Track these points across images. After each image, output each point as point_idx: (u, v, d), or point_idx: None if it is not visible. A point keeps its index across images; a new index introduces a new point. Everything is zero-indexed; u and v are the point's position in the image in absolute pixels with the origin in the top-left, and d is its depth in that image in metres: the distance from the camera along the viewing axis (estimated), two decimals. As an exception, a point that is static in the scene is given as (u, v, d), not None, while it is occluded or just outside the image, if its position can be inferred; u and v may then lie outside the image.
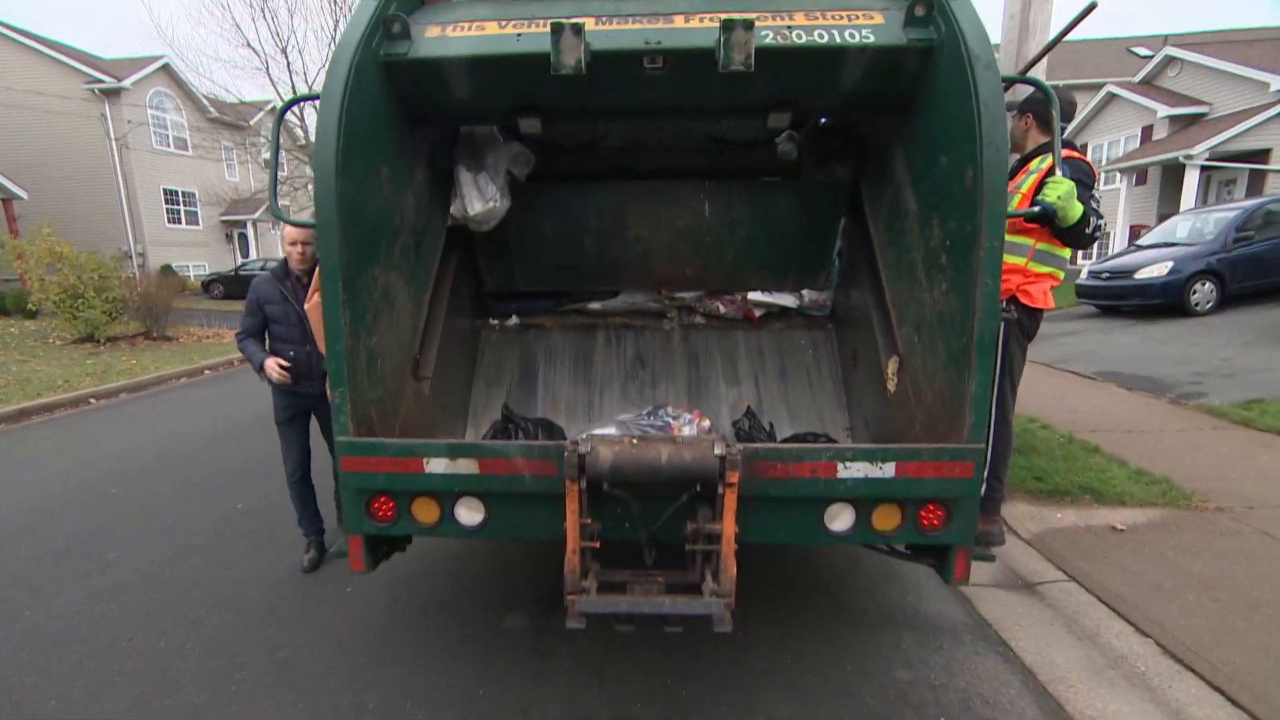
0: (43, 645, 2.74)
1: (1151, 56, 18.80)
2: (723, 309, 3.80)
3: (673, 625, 1.96)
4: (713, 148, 3.36)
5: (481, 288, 3.71)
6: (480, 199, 3.00)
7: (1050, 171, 2.56)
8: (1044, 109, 2.86)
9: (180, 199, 21.79)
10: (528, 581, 3.18)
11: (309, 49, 26.12)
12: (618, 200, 3.47)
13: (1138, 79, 18.36)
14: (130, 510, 4.21)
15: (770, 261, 3.59)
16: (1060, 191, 2.47)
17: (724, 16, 2.04)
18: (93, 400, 7.74)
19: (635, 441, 1.97)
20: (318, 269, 2.24)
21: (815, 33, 2.18)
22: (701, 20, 2.21)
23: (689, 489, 1.93)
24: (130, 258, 19.27)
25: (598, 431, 3.05)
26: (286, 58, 15.86)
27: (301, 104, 16.36)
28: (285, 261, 3.14)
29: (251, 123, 20.39)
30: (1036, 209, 2.53)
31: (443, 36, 2.26)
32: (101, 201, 19.68)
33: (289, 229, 3.04)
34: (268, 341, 3.19)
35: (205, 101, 20.88)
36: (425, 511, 2.14)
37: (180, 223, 21.91)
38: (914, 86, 2.32)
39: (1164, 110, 16.83)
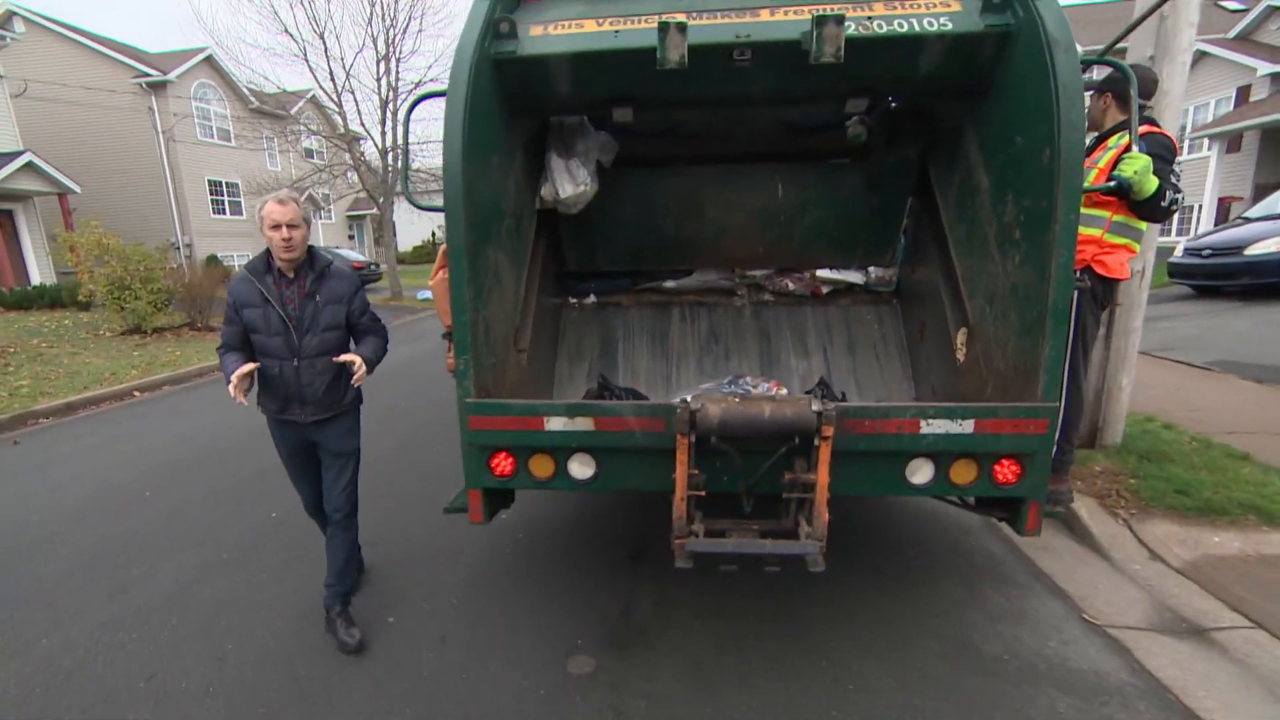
0: (55, 682, 2.44)
1: (1245, 10, 17.07)
2: (792, 286, 3.84)
3: (771, 565, 2.12)
4: (784, 132, 3.43)
5: (563, 267, 3.81)
6: (571, 183, 3.12)
7: (1128, 148, 2.64)
8: (1123, 88, 2.88)
9: (224, 190, 22.07)
10: (590, 611, 2.76)
11: (345, 34, 25.83)
12: (696, 183, 3.57)
13: (1232, 34, 16.67)
14: (163, 515, 3.96)
15: (839, 240, 3.67)
16: (1136, 166, 2.55)
17: (816, 13, 2.16)
18: (136, 393, 7.68)
19: (740, 400, 2.14)
20: (442, 248, 2.38)
21: (895, 22, 2.27)
22: (785, 13, 2.32)
23: (788, 442, 2.08)
24: (178, 249, 19.62)
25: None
26: (324, 43, 15.78)
27: (342, 94, 16.40)
28: (266, 254, 2.48)
29: (292, 111, 20.40)
30: (1112, 184, 2.61)
31: (546, 35, 2.42)
32: (151, 194, 20.05)
33: (272, 208, 2.37)
34: (255, 351, 2.55)
35: (247, 92, 21.02)
36: (541, 466, 2.33)
37: (225, 213, 22.22)
38: (990, 70, 2.40)
39: (1265, 67, 15.17)
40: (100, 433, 6.09)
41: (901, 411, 2.11)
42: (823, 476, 2.03)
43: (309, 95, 21.01)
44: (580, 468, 2.32)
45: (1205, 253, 9.04)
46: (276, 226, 2.38)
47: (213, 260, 17.61)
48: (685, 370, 3.67)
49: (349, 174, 19.37)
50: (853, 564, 3.07)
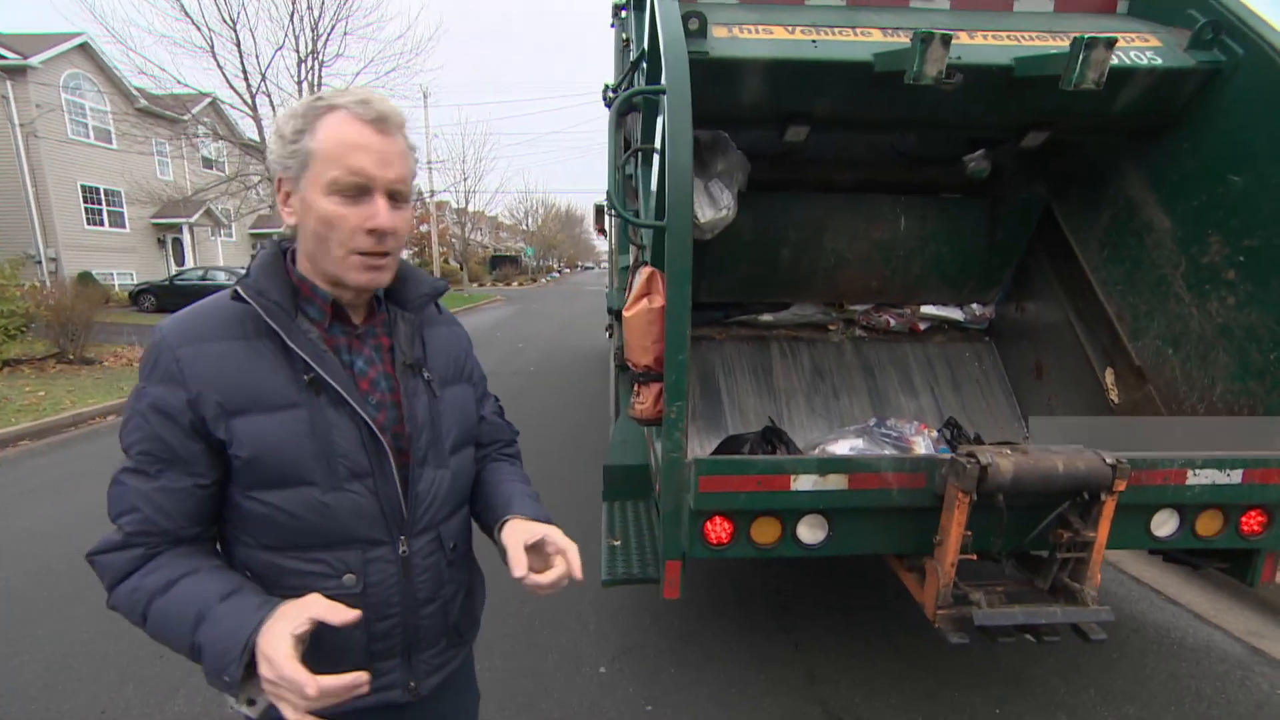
0: None
1: None
2: (893, 322, 3.70)
3: (1051, 635, 1.97)
4: (901, 163, 3.40)
5: None
6: (712, 206, 2.87)
7: None
8: None
9: (102, 197, 18.84)
10: None
11: (261, 29, 23.13)
12: (818, 212, 3.41)
13: None
14: (24, 699, 2.42)
15: (950, 275, 3.59)
16: None
17: (1082, 35, 2.07)
18: (-21, 452, 5.66)
19: (1026, 453, 1.94)
20: (644, 273, 2.09)
21: None
22: (985, 37, 2.28)
23: (1075, 497, 1.95)
24: (39, 263, 16.41)
25: (839, 444, 2.94)
26: (236, 33, 13.73)
27: (256, 96, 14.32)
28: (281, 262, 0.95)
29: (194, 112, 17.70)
30: None
31: (733, 37, 2.24)
32: (4, 198, 16.76)
33: (353, 131, 0.85)
34: (243, 546, 0.91)
35: (132, 88, 18.17)
36: (765, 531, 2.06)
37: (102, 224, 18.97)
38: (1185, 106, 2.41)
39: None
40: (-83, 519, 4.19)
41: (1169, 461, 2.01)
42: (1103, 534, 1.91)
43: (210, 100, 18.40)
44: (811, 531, 2.07)
45: None
46: (363, 192, 0.86)
47: (86, 278, 14.79)
48: (795, 409, 3.44)
49: (260, 187, 17.06)
50: None
